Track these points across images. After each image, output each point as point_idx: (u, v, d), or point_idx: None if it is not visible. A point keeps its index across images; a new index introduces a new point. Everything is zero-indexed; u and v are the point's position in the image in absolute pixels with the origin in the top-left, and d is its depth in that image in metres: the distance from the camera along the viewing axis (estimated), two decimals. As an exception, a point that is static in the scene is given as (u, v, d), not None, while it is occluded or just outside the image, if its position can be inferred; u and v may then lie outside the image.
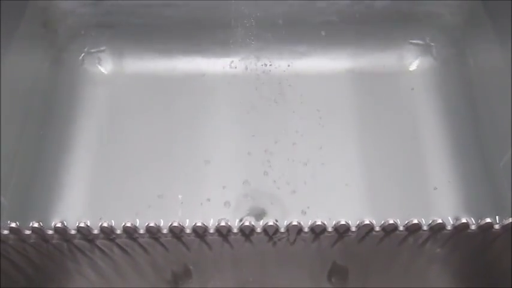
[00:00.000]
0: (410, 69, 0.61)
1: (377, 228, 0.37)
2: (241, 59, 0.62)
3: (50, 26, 0.59)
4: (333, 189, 0.54)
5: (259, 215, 0.52)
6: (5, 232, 0.37)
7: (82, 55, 0.62)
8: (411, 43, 0.61)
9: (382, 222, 0.37)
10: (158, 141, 0.57)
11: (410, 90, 0.60)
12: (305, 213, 0.52)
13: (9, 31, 0.52)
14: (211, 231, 0.37)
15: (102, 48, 0.62)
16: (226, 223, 0.37)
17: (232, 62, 0.62)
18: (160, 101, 0.60)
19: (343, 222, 0.37)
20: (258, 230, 0.38)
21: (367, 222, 0.37)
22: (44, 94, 0.58)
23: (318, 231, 0.38)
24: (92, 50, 0.62)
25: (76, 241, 0.38)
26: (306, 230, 0.37)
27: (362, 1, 0.59)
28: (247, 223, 0.37)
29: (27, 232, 0.37)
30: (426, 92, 0.60)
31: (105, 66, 0.62)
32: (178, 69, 0.62)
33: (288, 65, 0.62)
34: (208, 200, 0.53)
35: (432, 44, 0.61)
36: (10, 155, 0.50)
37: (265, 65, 0.62)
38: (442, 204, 0.52)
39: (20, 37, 0.54)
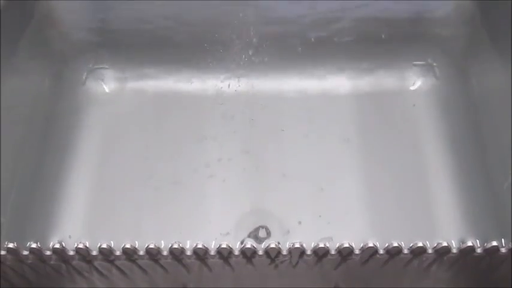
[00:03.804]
0: (412, 88, 0.61)
1: (381, 251, 0.37)
2: (242, 78, 0.62)
3: (53, 43, 0.60)
4: (334, 210, 0.53)
5: (260, 237, 0.52)
6: (3, 253, 0.36)
7: (84, 73, 0.62)
8: (413, 63, 0.61)
9: (386, 245, 0.36)
10: (159, 160, 0.57)
11: (413, 110, 0.59)
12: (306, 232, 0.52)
13: (11, 47, 0.52)
14: (212, 253, 0.37)
15: (104, 66, 0.62)
16: (227, 245, 0.36)
17: (233, 81, 0.62)
18: (161, 119, 0.60)
19: (346, 245, 0.36)
20: (260, 252, 0.37)
21: (370, 245, 0.36)
22: (44, 111, 0.58)
23: (320, 253, 0.37)
24: (95, 68, 0.62)
25: (74, 262, 0.37)
26: (309, 252, 0.37)
27: (364, 22, 0.59)
28: (248, 245, 0.36)
29: (25, 253, 0.36)
30: (428, 111, 0.59)
31: (107, 84, 0.62)
32: (181, 88, 0.62)
33: (288, 85, 0.62)
34: (209, 221, 0.53)
35: (434, 64, 0.61)
36: (9, 173, 0.50)
37: (266, 85, 0.62)
38: (446, 226, 0.51)
39: (22, 53, 0.54)
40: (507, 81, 0.51)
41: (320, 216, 0.53)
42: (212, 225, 0.52)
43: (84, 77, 0.62)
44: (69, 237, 0.51)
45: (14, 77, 0.52)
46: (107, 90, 0.62)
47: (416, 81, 0.61)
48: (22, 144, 0.53)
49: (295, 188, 0.54)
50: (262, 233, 0.52)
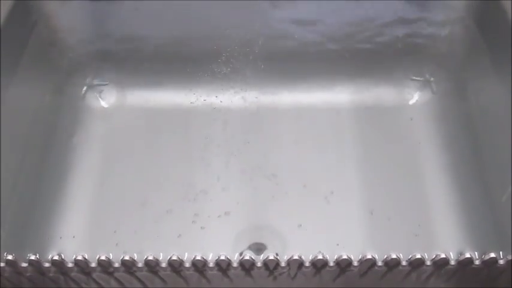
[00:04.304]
0: (410, 103, 0.62)
1: (379, 263, 0.37)
2: (241, 94, 0.63)
3: (53, 59, 0.60)
4: (334, 222, 0.53)
5: (259, 249, 0.51)
6: (2, 264, 0.36)
7: (84, 88, 0.62)
8: (411, 78, 0.62)
9: (385, 256, 0.36)
10: (157, 175, 0.57)
11: (411, 124, 0.60)
12: (306, 246, 0.52)
13: (13, 62, 0.53)
14: (211, 265, 0.37)
15: (104, 82, 0.63)
16: (226, 257, 0.36)
17: (232, 96, 0.63)
18: (160, 135, 0.60)
19: (345, 257, 0.36)
20: (259, 264, 0.37)
21: (369, 256, 0.36)
22: (44, 126, 0.58)
23: (319, 265, 0.37)
24: (94, 83, 0.63)
25: (73, 274, 0.37)
26: (308, 264, 0.37)
27: (362, 37, 0.60)
28: (247, 257, 0.36)
29: (24, 265, 0.36)
30: (426, 125, 0.60)
31: (106, 99, 0.63)
32: (179, 103, 0.63)
33: (290, 100, 0.62)
34: (204, 230, 0.52)
35: (432, 79, 0.62)
36: (9, 186, 0.50)
37: (267, 99, 0.63)
38: (444, 238, 0.51)
39: (23, 69, 0.54)
40: (505, 95, 0.51)
41: (319, 228, 0.53)
42: (210, 239, 0.52)
43: (83, 93, 0.63)
44: (73, 237, 0.52)
45: (15, 92, 0.53)
46: (106, 105, 0.63)
47: (414, 96, 0.62)
48: (22, 158, 0.53)
49: (294, 202, 0.54)
50: (260, 247, 0.52)
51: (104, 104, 0.63)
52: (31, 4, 0.56)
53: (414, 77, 0.62)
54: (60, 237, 0.52)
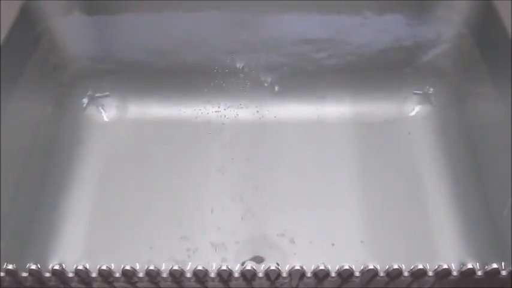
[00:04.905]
0: (410, 115, 0.62)
1: (381, 274, 0.37)
2: (244, 107, 0.63)
3: (55, 71, 0.60)
4: (334, 234, 0.53)
5: (259, 261, 0.51)
6: (2, 274, 0.36)
7: (85, 100, 0.63)
8: (410, 91, 0.62)
9: (387, 267, 0.36)
10: (158, 188, 0.57)
11: (410, 137, 0.60)
12: (307, 258, 0.51)
13: (15, 74, 0.53)
14: (212, 275, 0.37)
15: (105, 94, 0.63)
16: (227, 267, 0.36)
17: (234, 109, 0.63)
18: (160, 148, 0.60)
19: (346, 267, 0.36)
20: (260, 274, 0.37)
21: (371, 267, 0.36)
22: (45, 138, 0.58)
23: (321, 276, 0.37)
24: (95, 96, 0.63)
25: (73, 284, 0.37)
26: (309, 274, 0.37)
27: (362, 50, 0.60)
28: (248, 267, 0.36)
29: (24, 274, 0.36)
30: (426, 138, 0.60)
31: (107, 111, 0.63)
32: (181, 116, 0.63)
33: (289, 113, 0.63)
34: (208, 248, 0.52)
35: (431, 92, 0.62)
36: (9, 197, 0.50)
37: (267, 112, 0.63)
38: (445, 250, 0.51)
39: (24, 81, 0.55)
40: (504, 108, 0.51)
41: (321, 239, 0.52)
42: (211, 252, 0.52)
43: (84, 105, 0.63)
44: (75, 247, 0.51)
45: (16, 104, 0.53)
46: (107, 118, 0.63)
47: (414, 108, 0.62)
48: (23, 170, 0.53)
49: (295, 215, 0.54)
50: (260, 259, 0.52)
51: (105, 116, 0.63)
52: (34, 17, 0.56)
53: (414, 90, 0.62)
54: (62, 248, 0.52)
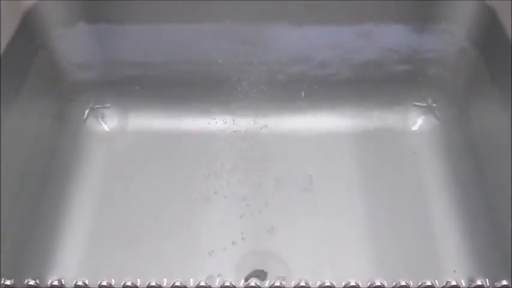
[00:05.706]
0: (413, 129, 0.62)
1: (388, 290, 0.36)
2: (244, 118, 0.63)
3: (55, 83, 0.60)
4: (339, 249, 0.52)
5: (262, 276, 0.50)
6: (-1, 290, 0.35)
7: (86, 112, 0.62)
8: (414, 104, 0.62)
9: (394, 283, 0.36)
10: (159, 199, 0.56)
11: (415, 150, 0.60)
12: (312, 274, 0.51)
13: (15, 86, 0.53)
14: (215, 291, 0.36)
15: (105, 105, 0.63)
16: (231, 283, 0.35)
17: (234, 121, 0.63)
18: (161, 159, 0.60)
19: (353, 283, 0.36)
20: (264, 290, 0.36)
21: (378, 283, 0.36)
22: (46, 150, 0.57)
23: (326, 292, 0.36)
24: (96, 107, 0.63)
25: (72, 300, 0.36)
26: (315, 291, 0.36)
27: (365, 63, 0.60)
28: (252, 283, 0.35)
29: (22, 290, 0.35)
30: (430, 151, 0.59)
31: (108, 123, 0.63)
32: (181, 128, 0.62)
33: (291, 125, 0.62)
34: (209, 261, 0.52)
35: (434, 104, 0.62)
36: (9, 211, 0.49)
37: (268, 125, 0.62)
38: (451, 265, 0.50)
39: (24, 92, 0.54)
40: (508, 121, 0.51)
41: (325, 255, 0.52)
42: (211, 265, 0.51)
43: (85, 116, 0.62)
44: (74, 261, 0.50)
45: (16, 116, 0.52)
46: (107, 128, 0.62)
47: (417, 122, 0.62)
48: (22, 182, 0.52)
49: (297, 229, 0.54)
50: (262, 274, 0.51)
51: (105, 127, 0.62)
52: (34, 29, 0.56)
53: (417, 103, 0.62)
54: (61, 262, 0.51)
